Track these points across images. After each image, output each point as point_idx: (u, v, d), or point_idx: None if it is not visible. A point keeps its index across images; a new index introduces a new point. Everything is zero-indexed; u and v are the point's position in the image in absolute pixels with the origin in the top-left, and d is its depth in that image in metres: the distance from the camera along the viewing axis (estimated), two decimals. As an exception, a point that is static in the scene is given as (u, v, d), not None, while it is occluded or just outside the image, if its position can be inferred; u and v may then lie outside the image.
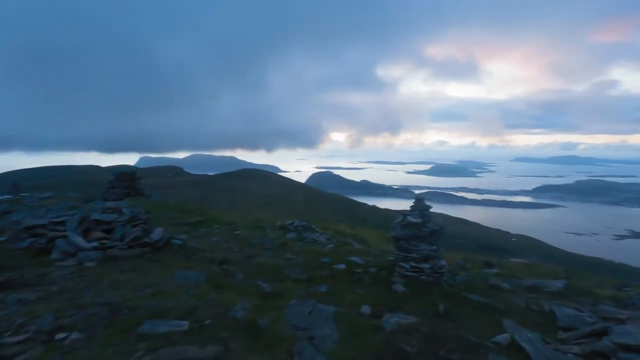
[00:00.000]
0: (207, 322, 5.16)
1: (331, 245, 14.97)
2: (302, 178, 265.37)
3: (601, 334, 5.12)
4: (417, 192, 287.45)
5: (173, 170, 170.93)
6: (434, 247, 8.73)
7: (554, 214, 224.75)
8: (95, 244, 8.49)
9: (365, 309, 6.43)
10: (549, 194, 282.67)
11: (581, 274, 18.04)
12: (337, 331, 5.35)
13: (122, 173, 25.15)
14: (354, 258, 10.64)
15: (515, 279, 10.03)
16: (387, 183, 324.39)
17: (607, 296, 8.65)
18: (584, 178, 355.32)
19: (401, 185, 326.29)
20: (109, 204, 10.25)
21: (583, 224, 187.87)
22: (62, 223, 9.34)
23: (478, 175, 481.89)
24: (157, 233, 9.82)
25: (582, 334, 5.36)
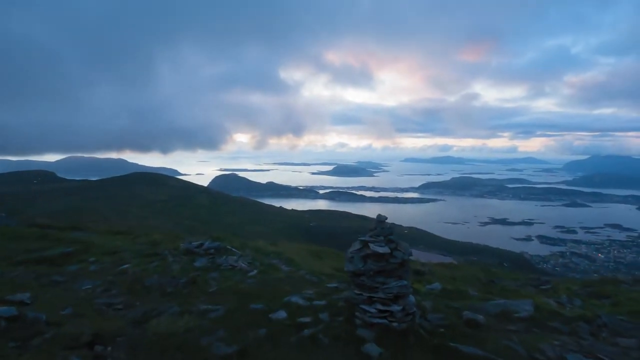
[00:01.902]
0: None
1: (255, 272, 12.15)
2: (204, 181, 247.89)
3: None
4: (321, 192, 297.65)
5: (41, 176, 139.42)
6: (404, 282, 6.83)
7: (435, 207, 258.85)
8: None
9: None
10: (432, 190, 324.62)
11: (496, 271, 18.94)
12: None
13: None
14: (294, 298, 8.12)
15: (476, 303, 8.88)
16: (292, 184, 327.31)
17: (577, 316, 8.04)
18: (457, 175, 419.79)
19: (306, 186, 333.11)
20: None
21: (457, 214, 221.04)
22: None
23: (375, 174, 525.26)
24: (-35, 302, 5.68)
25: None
